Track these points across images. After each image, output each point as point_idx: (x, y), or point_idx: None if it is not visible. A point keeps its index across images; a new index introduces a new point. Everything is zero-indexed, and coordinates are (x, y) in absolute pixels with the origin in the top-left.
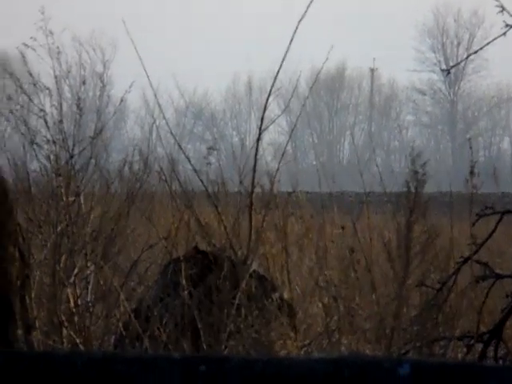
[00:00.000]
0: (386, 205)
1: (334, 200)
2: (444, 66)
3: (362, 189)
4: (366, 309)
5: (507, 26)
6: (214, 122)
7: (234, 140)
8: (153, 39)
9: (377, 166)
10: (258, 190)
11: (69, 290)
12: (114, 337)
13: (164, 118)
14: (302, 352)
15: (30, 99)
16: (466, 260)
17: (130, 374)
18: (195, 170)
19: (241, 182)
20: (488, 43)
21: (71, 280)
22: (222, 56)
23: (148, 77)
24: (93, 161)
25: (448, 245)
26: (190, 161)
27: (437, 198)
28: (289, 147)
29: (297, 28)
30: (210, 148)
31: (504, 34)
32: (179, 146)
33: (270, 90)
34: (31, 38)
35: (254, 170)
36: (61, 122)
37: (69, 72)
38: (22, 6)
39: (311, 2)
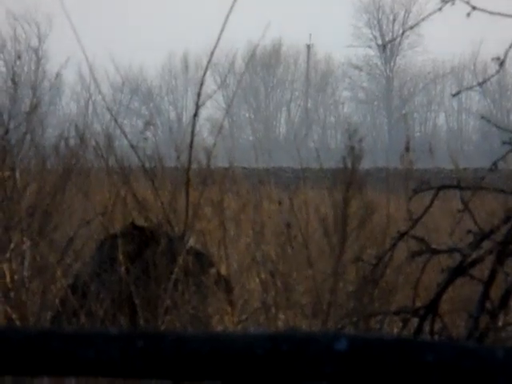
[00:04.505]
0: (322, 180)
1: (270, 176)
2: (380, 42)
3: (298, 164)
4: (303, 284)
5: (443, 1)
6: (150, 97)
7: (170, 115)
8: (88, 14)
9: (313, 141)
10: (194, 165)
11: (5, 266)
12: (50, 313)
13: (100, 93)
14: (239, 327)
15: None
16: (402, 235)
17: (66, 350)
18: (132, 146)
19: (178, 158)
20: (423, 19)
21: (7, 255)
22: (158, 32)
23: (84, 52)
24: (28, 136)
25: (384, 220)
26: (126, 136)
27: (373, 173)
28: (225, 123)
29: (233, 4)
30: (146, 123)
31: (440, 9)
32: (115, 121)
33: (207, 65)
34: None
35: (191, 146)
36: None
37: (3, 46)
38: None
39: None
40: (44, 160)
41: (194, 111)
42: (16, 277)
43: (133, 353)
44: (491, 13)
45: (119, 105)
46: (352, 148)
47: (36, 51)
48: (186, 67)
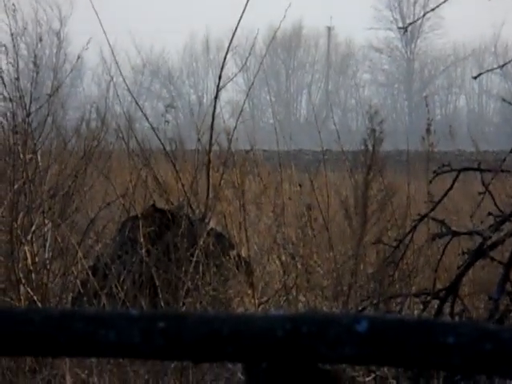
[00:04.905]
0: (343, 163)
1: (291, 158)
2: (401, 24)
3: (319, 147)
4: (324, 266)
5: None
6: (171, 79)
7: (191, 98)
8: None
9: (334, 124)
10: (215, 148)
11: (26, 248)
12: (71, 294)
13: (121, 75)
14: (260, 309)
15: None
16: (422, 217)
17: (88, 331)
18: (153, 128)
19: (199, 140)
20: (445, 1)
21: (29, 237)
22: (179, 14)
23: (105, 34)
24: (50, 118)
25: (405, 202)
26: (147, 118)
27: (394, 156)
28: (246, 105)
29: None
30: (167, 106)
31: None
32: (137, 103)
33: (228, 48)
34: None
35: (212, 128)
36: (17, 79)
37: (25, 29)
38: None
39: None
40: (65, 142)
41: (214, 94)
42: (37, 259)
43: (154, 334)
44: None
45: (140, 87)
46: (373, 130)
47: (57, 34)
48: (207, 49)
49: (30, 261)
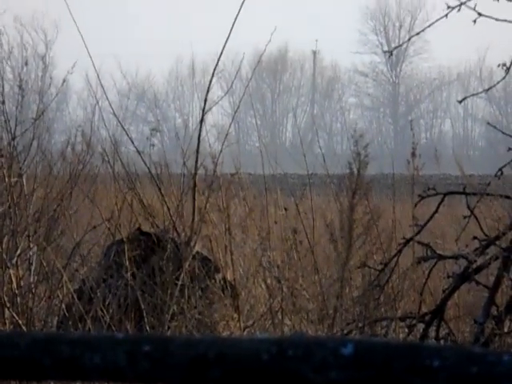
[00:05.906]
0: (328, 186)
1: (276, 182)
2: (386, 48)
3: (304, 170)
4: (309, 289)
5: (449, 7)
6: (156, 103)
7: (177, 122)
8: (95, 21)
9: (319, 147)
10: (201, 171)
11: (11, 272)
12: (56, 318)
13: (107, 99)
14: (245, 333)
15: None
16: (407, 241)
17: (73, 355)
18: (138, 152)
19: (184, 164)
20: (430, 25)
21: (14, 261)
22: (165, 38)
23: (91, 58)
24: (35, 142)
25: (390, 226)
26: (133, 142)
27: (379, 179)
28: (232, 129)
29: (240, 10)
30: (153, 129)
31: (446, 15)
32: (122, 127)
33: (214, 71)
34: None
35: (198, 152)
36: (3, 103)
37: (10, 53)
38: None
39: None
40: (51, 166)
41: (200, 117)
42: (22, 282)
43: (139, 357)
44: (497, 19)
45: (126, 111)
46: (358, 154)
47: (43, 58)
48: (192, 73)
49: (15, 284)
